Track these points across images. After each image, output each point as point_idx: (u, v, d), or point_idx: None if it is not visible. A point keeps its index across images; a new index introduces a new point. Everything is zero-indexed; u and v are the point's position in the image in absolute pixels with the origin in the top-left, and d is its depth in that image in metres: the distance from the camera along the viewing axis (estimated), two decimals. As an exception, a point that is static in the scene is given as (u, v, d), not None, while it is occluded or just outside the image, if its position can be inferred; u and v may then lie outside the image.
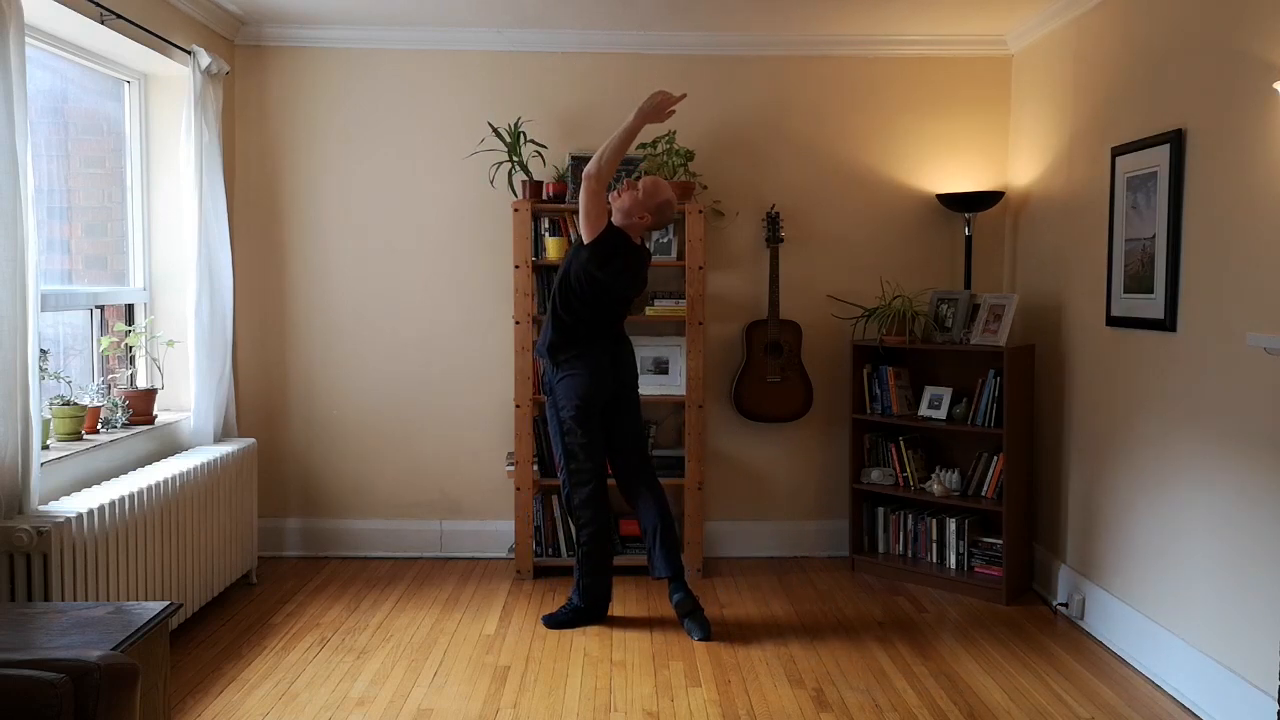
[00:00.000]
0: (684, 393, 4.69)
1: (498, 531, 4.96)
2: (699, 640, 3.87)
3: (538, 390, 4.58)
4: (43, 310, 3.32)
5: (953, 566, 4.62)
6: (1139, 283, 3.66)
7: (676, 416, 4.94)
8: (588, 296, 3.93)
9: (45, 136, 3.85)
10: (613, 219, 3.94)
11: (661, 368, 4.80)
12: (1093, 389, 4.07)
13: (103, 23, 3.62)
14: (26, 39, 3.09)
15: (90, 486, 3.48)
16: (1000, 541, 4.42)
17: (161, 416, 4.22)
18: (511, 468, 4.71)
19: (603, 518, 4.06)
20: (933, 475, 4.71)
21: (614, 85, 4.91)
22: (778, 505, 5.08)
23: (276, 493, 4.96)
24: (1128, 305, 3.74)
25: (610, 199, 3.95)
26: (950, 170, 4.97)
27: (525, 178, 4.68)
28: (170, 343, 4.34)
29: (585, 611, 4.06)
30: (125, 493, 3.35)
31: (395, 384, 4.97)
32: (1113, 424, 3.89)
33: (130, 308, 4.40)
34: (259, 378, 4.95)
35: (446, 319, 4.98)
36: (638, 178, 4.08)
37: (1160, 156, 3.51)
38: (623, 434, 4.10)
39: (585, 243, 3.91)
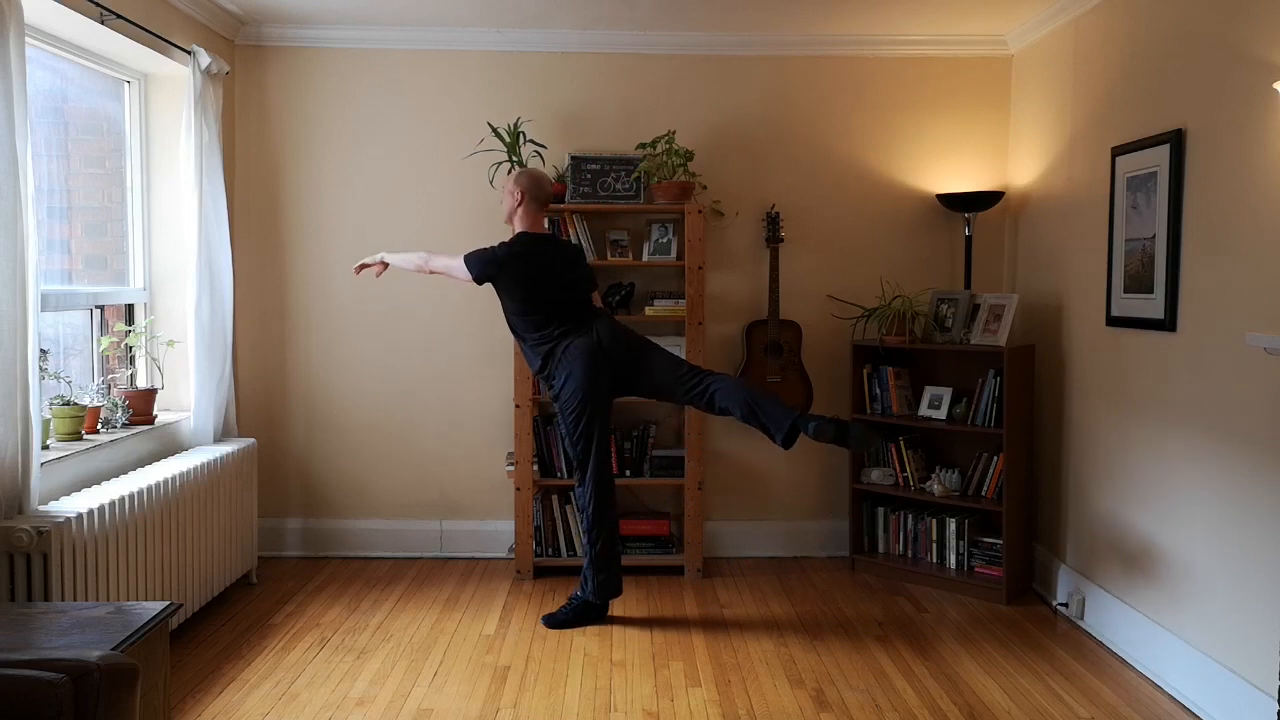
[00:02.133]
0: (684, 393, 4.69)
1: (498, 531, 4.96)
2: (866, 449, 3.80)
3: (537, 390, 4.59)
4: (43, 310, 3.32)
5: (953, 566, 4.62)
6: (1139, 283, 3.66)
7: (676, 416, 4.94)
8: (522, 299, 4.00)
9: (45, 136, 3.85)
10: (516, 225, 4.11)
11: (661, 368, 4.79)
12: (1093, 389, 4.07)
13: (103, 23, 3.62)
14: (26, 39, 3.09)
15: (90, 486, 3.48)
16: (1000, 541, 4.42)
17: (161, 416, 4.22)
18: (511, 468, 4.71)
19: (613, 515, 4.09)
20: (933, 475, 4.71)
21: (614, 85, 4.91)
22: (778, 505, 5.08)
23: (276, 493, 4.96)
24: (1128, 305, 3.74)
25: (505, 208, 4.16)
26: (950, 170, 4.97)
27: (525, 178, 4.68)
28: (170, 343, 4.34)
29: (594, 608, 4.07)
30: (125, 493, 3.35)
31: (395, 384, 4.97)
32: (1112, 424, 3.89)
33: (130, 308, 4.40)
34: (259, 378, 4.95)
35: (446, 319, 4.98)
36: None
37: (1160, 156, 3.51)
38: (663, 377, 3.98)
39: (499, 283, 4.05)
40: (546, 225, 4.32)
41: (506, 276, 4.00)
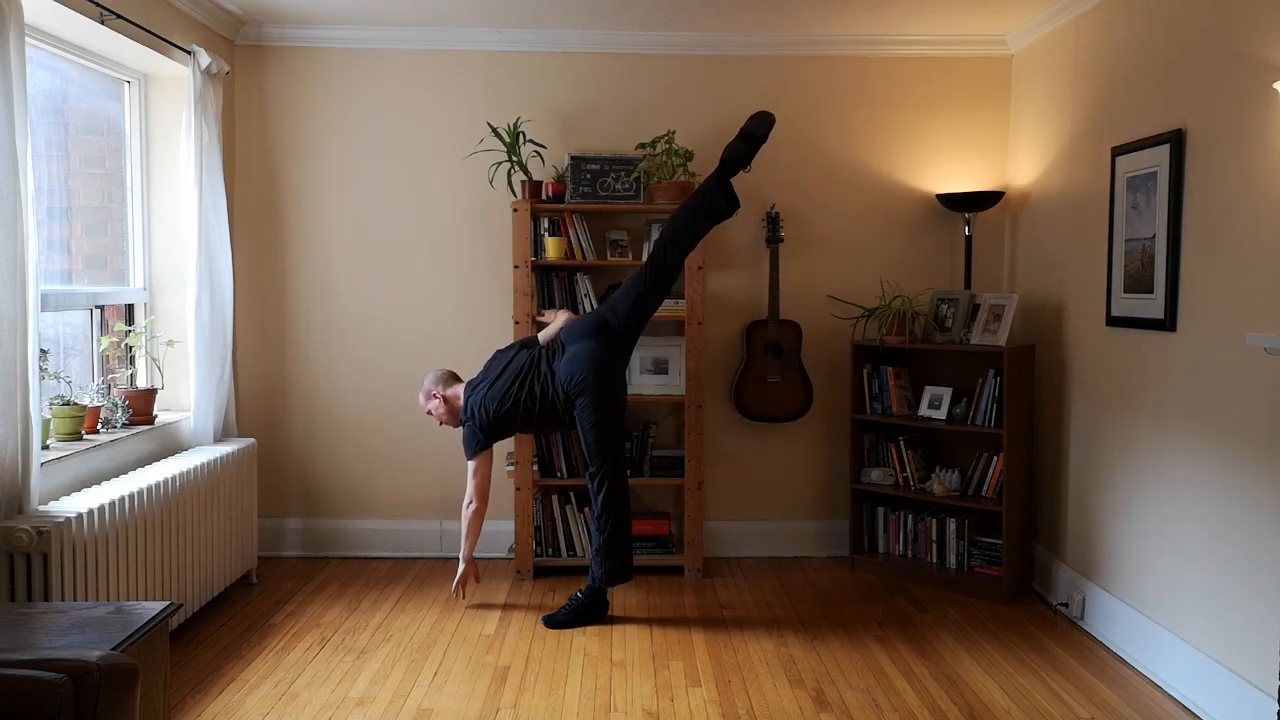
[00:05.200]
0: (683, 393, 4.69)
1: (498, 531, 4.95)
2: (769, 126, 3.88)
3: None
4: (43, 310, 3.32)
5: (953, 566, 4.62)
6: (1139, 283, 3.66)
7: (676, 416, 4.94)
8: (510, 409, 4.12)
9: (45, 136, 3.85)
10: (459, 404, 4.28)
11: (661, 368, 4.80)
12: (1093, 389, 4.07)
13: (103, 23, 3.62)
14: (26, 39, 3.09)
15: (90, 486, 3.48)
16: (1000, 541, 4.42)
17: (161, 416, 4.22)
18: (511, 468, 4.71)
19: (624, 504, 4.13)
20: (933, 475, 4.71)
21: (614, 85, 4.91)
22: (778, 505, 5.08)
23: (276, 493, 4.96)
24: (1128, 305, 3.74)
25: (442, 417, 4.33)
26: (950, 170, 4.97)
27: (524, 178, 4.68)
28: (170, 343, 4.34)
29: (596, 606, 4.08)
30: (125, 493, 3.35)
31: (395, 383, 4.97)
32: (1112, 424, 3.89)
33: (130, 308, 4.40)
34: (259, 378, 4.95)
35: (446, 319, 4.98)
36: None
37: (1160, 156, 3.51)
38: (638, 291, 4.11)
39: (500, 430, 4.21)
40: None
41: (492, 420, 4.14)
